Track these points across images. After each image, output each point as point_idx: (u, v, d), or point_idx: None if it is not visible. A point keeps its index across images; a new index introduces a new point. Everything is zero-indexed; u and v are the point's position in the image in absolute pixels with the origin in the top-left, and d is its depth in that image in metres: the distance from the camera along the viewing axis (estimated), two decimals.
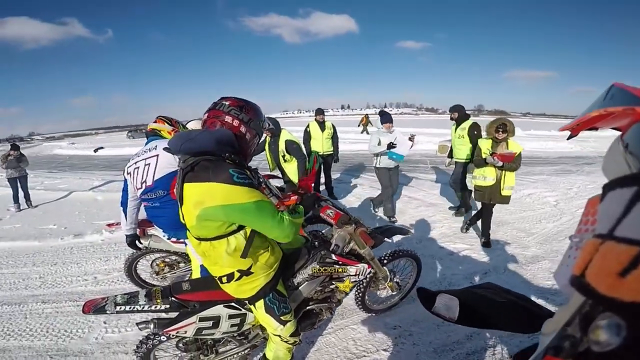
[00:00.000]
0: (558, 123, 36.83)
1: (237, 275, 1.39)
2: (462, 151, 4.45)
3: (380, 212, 4.89)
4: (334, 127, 5.44)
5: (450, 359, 2.08)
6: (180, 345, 1.74)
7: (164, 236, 2.55)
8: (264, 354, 1.71)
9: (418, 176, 7.54)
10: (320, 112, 5.45)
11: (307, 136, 5.39)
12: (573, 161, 10.04)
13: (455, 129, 4.54)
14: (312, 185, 2.64)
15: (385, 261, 2.26)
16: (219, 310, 1.57)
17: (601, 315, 0.22)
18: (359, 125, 19.93)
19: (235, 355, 1.81)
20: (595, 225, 0.25)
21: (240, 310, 1.61)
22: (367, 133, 18.00)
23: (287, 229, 1.33)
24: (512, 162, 3.29)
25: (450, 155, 4.82)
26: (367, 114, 20.60)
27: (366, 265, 1.95)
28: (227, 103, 1.35)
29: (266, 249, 1.46)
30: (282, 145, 4.00)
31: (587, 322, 0.23)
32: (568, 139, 0.42)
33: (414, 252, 2.47)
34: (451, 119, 4.61)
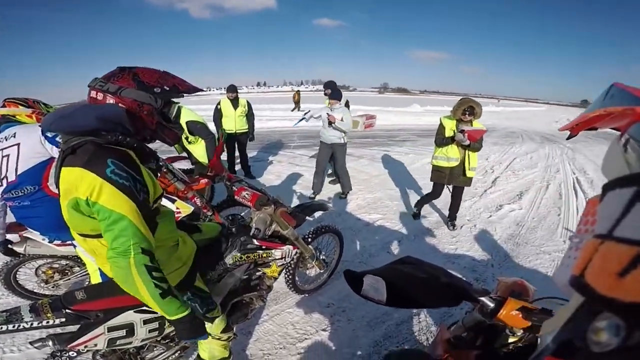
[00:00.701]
0: (449, 100, 42.08)
1: None
2: None
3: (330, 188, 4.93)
4: (248, 104, 5.18)
5: (383, 331, 2.20)
6: (98, 357, 1.51)
7: (43, 239, 2.08)
8: (198, 355, 1.57)
9: None
10: (232, 89, 5.13)
11: (218, 114, 5.05)
12: None
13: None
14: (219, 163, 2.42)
15: (309, 239, 2.24)
16: (130, 316, 1.35)
17: (601, 316, 0.23)
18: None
19: None
20: (595, 225, 0.26)
21: (156, 313, 1.41)
22: (299, 110, 17.27)
23: (122, 271, 1.01)
24: (477, 142, 3.15)
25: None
26: (298, 91, 19.83)
27: (291, 247, 1.89)
28: (99, 77, 1.10)
29: (174, 241, 1.28)
30: (183, 127, 3.60)
31: (587, 322, 0.23)
32: (568, 138, 0.43)
33: (335, 227, 2.50)
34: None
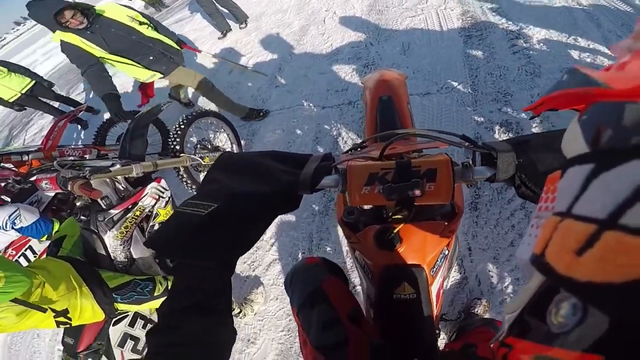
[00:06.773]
0: None
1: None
2: None
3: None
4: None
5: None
6: None
7: None
8: None
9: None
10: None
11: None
12: None
13: None
14: None
15: (177, 147, 1.89)
16: None
17: (559, 296, 0.23)
18: None
19: None
20: (555, 202, 0.26)
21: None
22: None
23: None
24: None
25: None
26: None
27: (154, 182, 1.52)
28: None
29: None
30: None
31: (547, 302, 0.24)
32: (530, 118, 0.42)
33: (207, 110, 2.15)
34: None
